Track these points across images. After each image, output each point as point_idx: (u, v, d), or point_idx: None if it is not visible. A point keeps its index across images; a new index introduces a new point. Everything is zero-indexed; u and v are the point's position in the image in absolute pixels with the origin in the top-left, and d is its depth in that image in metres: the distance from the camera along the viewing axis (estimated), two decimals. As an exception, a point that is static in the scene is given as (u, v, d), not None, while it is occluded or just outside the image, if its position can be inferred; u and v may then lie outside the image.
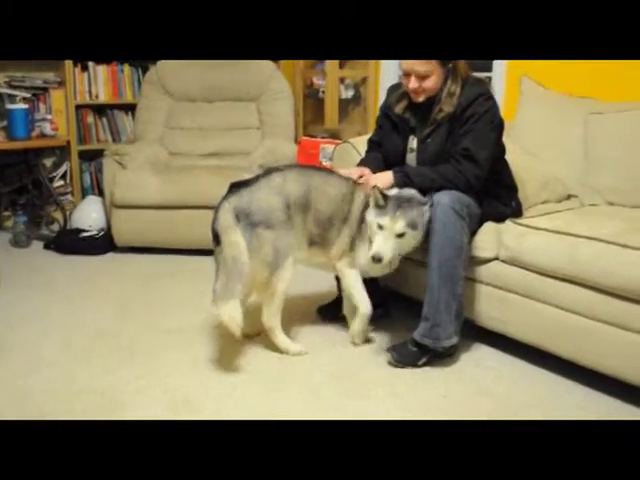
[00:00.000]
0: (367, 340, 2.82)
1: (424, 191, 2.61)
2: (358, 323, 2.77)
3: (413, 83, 2.63)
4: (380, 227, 2.53)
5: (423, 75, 2.60)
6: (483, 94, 2.62)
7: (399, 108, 2.79)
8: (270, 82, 4.57)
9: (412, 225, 2.52)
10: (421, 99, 2.69)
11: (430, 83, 2.62)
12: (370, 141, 2.99)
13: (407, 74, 2.64)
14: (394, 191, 2.61)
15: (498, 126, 2.70)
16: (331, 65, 4.73)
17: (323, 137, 4.38)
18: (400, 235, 2.52)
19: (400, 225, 2.51)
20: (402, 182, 2.64)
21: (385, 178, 2.67)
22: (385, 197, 2.54)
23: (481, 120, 2.60)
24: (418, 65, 2.59)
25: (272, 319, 2.71)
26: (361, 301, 2.74)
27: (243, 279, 2.55)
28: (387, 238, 2.53)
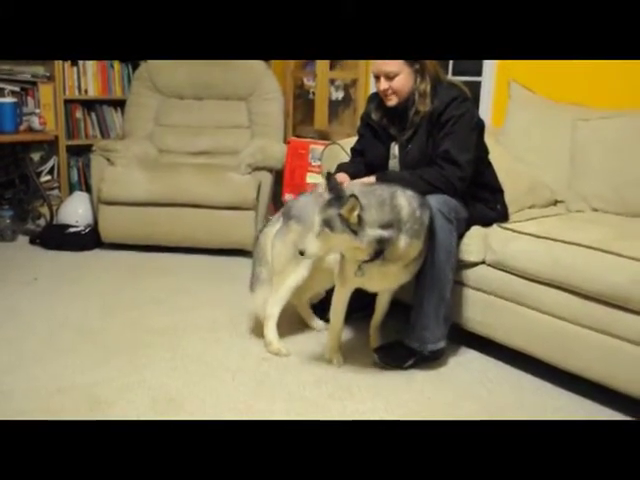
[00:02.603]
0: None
1: None
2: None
3: (383, 84, 2.66)
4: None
5: (391, 75, 2.63)
6: (458, 97, 2.63)
7: (376, 116, 2.81)
8: (261, 82, 4.57)
9: (328, 225, 2.30)
10: (393, 102, 2.69)
11: (399, 83, 2.64)
12: (353, 150, 3.01)
13: (377, 77, 2.68)
14: (355, 185, 2.47)
15: (477, 127, 2.70)
16: (321, 66, 4.73)
17: (312, 138, 4.38)
18: (320, 232, 2.33)
19: (317, 221, 2.33)
20: None
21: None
22: (331, 187, 2.38)
23: (459, 122, 2.61)
24: (385, 65, 2.63)
25: (273, 307, 2.77)
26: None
27: (266, 265, 2.84)
28: (314, 234, 2.35)
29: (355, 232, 2.28)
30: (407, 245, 2.38)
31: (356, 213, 2.26)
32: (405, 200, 2.39)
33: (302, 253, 2.37)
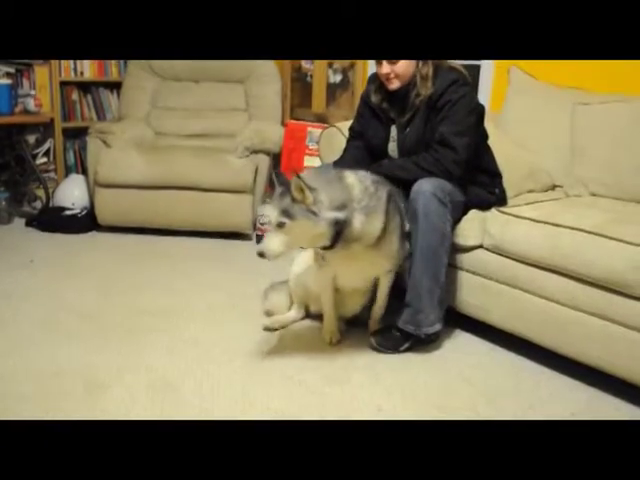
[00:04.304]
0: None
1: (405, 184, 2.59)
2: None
3: (385, 68, 2.64)
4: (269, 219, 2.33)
5: (394, 60, 2.61)
6: (457, 80, 2.61)
7: (376, 99, 2.79)
8: (258, 64, 4.54)
9: (287, 215, 2.25)
10: (395, 86, 2.68)
11: (401, 68, 2.62)
12: (351, 129, 2.98)
13: (378, 61, 2.66)
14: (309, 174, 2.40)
15: (476, 111, 2.69)
16: (319, 49, 4.70)
17: (310, 121, 4.36)
18: (280, 225, 2.26)
19: (274, 215, 2.28)
20: None
21: None
22: (281, 183, 2.35)
23: (456, 106, 2.59)
24: None
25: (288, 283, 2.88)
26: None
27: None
28: (271, 231, 2.30)
29: (314, 213, 2.25)
30: (363, 223, 2.35)
31: (307, 193, 2.22)
32: (355, 179, 2.39)
33: (262, 255, 2.27)
